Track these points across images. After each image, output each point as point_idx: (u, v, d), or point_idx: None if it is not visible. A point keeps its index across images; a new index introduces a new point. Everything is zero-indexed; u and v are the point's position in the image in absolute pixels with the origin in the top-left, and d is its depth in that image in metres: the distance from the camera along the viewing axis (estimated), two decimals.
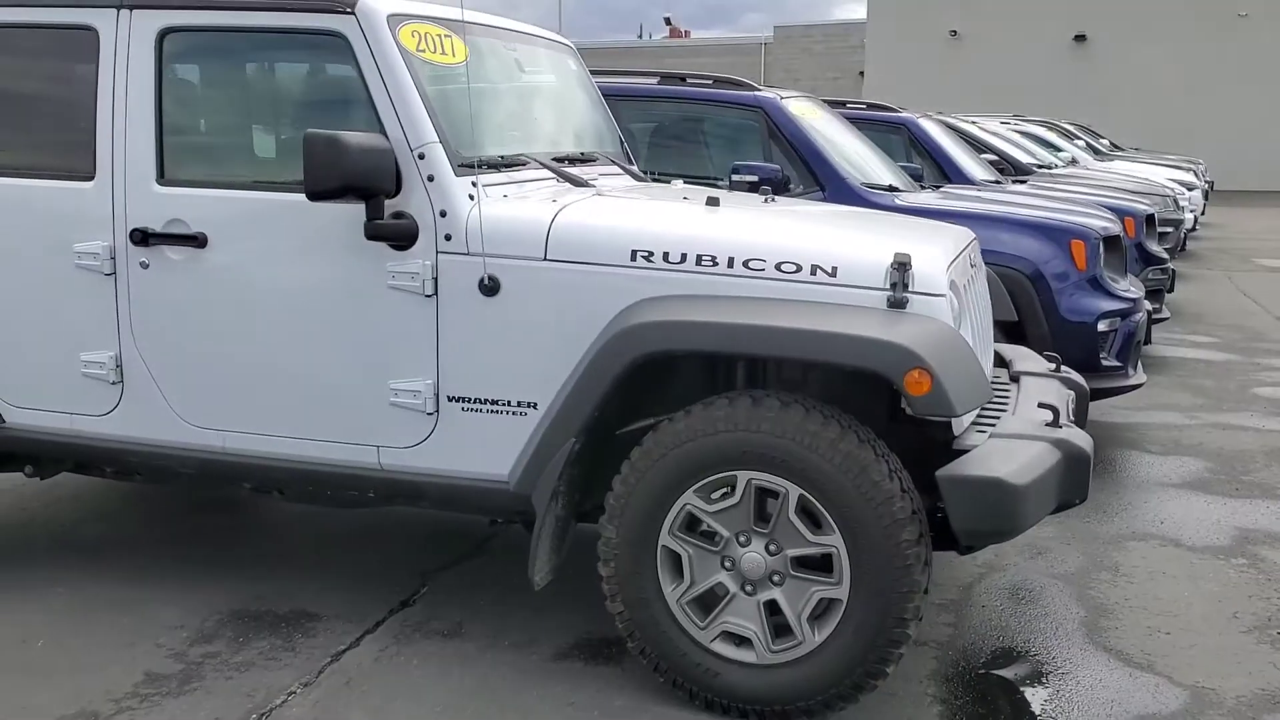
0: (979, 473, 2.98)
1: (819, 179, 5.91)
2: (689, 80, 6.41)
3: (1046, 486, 3.10)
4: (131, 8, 3.64)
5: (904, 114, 8.59)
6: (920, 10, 33.18)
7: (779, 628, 3.18)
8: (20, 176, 3.80)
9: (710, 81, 6.43)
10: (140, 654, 3.60)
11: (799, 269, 3.20)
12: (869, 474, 2.99)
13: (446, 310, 3.41)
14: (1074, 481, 3.22)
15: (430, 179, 3.39)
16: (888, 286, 3.15)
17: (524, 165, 3.77)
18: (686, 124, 6.38)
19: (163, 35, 3.61)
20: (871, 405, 3.30)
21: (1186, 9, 30.73)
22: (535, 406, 3.38)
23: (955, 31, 33.14)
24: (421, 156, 3.39)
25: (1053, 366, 4.10)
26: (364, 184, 3.27)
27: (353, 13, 3.44)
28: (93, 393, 3.80)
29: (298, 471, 3.66)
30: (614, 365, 3.15)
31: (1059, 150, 15.76)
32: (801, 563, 3.14)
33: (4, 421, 3.92)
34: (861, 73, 36.35)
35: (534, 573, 3.35)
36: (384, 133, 3.39)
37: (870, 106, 8.77)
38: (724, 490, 3.15)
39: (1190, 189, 14.45)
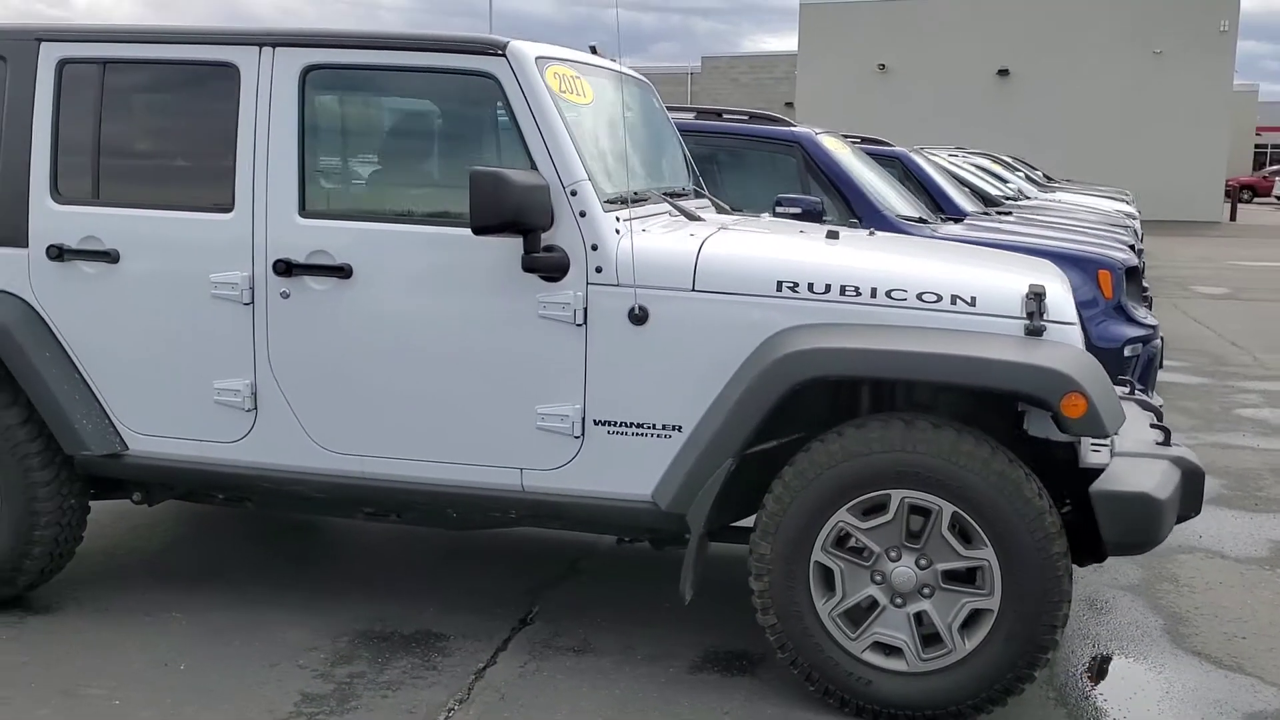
0: (1128, 488, 3.23)
1: (855, 211, 6.18)
2: (724, 115, 6.65)
3: (1175, 501, 3.37)
4: (274, 46, 3.75)
5: (898, 148, 8.92)
6: (849, 43, 33.97)
7: (927, 637, 3.38)
8: (157, 209, 3.88)
9: (746, 117, 6.67)
10: (287, 675, 3.69)
11: (939, 299, 3.42)
12: (1021, 491, 3.22)
13: (595, 339, 3.58)
14: (1192, 496, 3.49)
15: (582, 214, 3.56)
16: (1024, 315, 3.39)
17: (646, 200, 3.96)
18: (724, 158, 6.61)
19: (306, 72, 3.73)
20: (995, 426, 3.53)
21: (1105, 47, 31.91)
22: (680, 429, 3.56)
23: (884, 65, 33.98)
24: (574, 193, 3.56)
25: (1126, 390, 4.38)
26: (524, 219, 3.43)
27: (504, 55, 3.60)
28: (224, 420, 3.88)
29: (439, 494, 3.78)
30: (774, 390, 3.34)
31: (1005, 181, 16.30)
32: (950, 576, 3.35)
33: (127, 449, 3.98)
34: (789, 103, 37.19)
35: (685, 587, 3.52)
36: (534, 170, 3.55)
37: (865, 140, 9.08)
38: (877, 508, 3.35)
39: (1132, 219, 15.05)
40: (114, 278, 3.89)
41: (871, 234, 4.33)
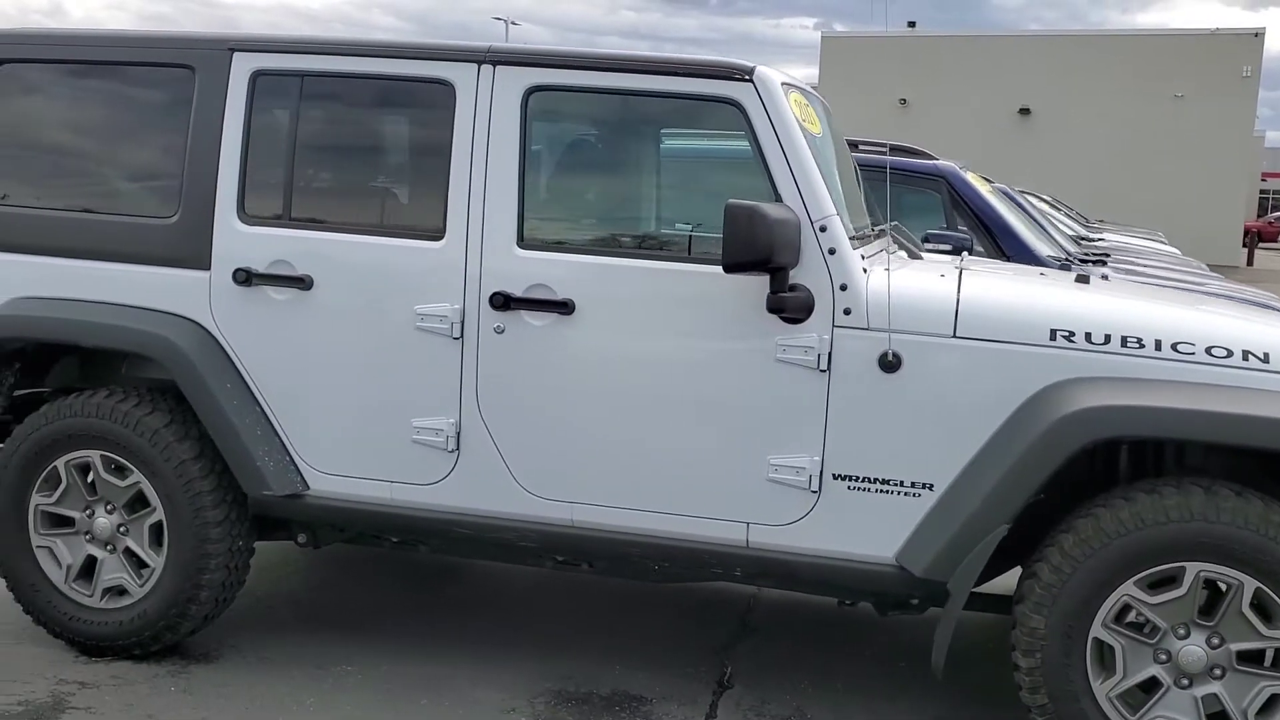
0: None
1: (1004, 249, 5.95)
2: (861, 146, 6.42)
3: None
4: (495, 63, 3.51)
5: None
6: (871, 78, 33.89)
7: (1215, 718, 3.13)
8: (356, 233, 3.63)
9: (885, 148, 6.44)
10: None
11: (1230, 354, 3.18)
12: None
13: (839, 386, 3.33)
14: None
15: (831, 251, 3.31)
16: None
17: (866, 237, 3.72)
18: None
19: (529, 93, 3.49)
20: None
21: (1126, 88, 31.89)
22: (930, 487, 3.30)
23: (905, 100, 33.91)
24: (823, 229, 3.32)
25: None
26: (777, 257, 3.18)
27: (751, 80, 3.36)
28: (421, 460, 3.61)
29: (654, 547, 3.52)
30: (1061, 450, 3.09)
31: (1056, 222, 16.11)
32: (1245, 656, 3.09)
33: (308, 488, 3.70)
34: None
35: (939, 658, 3.26)
36: (781, 203, 3.31)
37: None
38: (1167, 580, 3.10)
39: (1193, 263, 14.87)
40: (305, 305, 3.63)
41: (1106, 278, 4.10)
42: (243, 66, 3.67)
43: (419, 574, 4.80)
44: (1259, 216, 55.81)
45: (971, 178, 6.26)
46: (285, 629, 4.15)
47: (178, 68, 3.73)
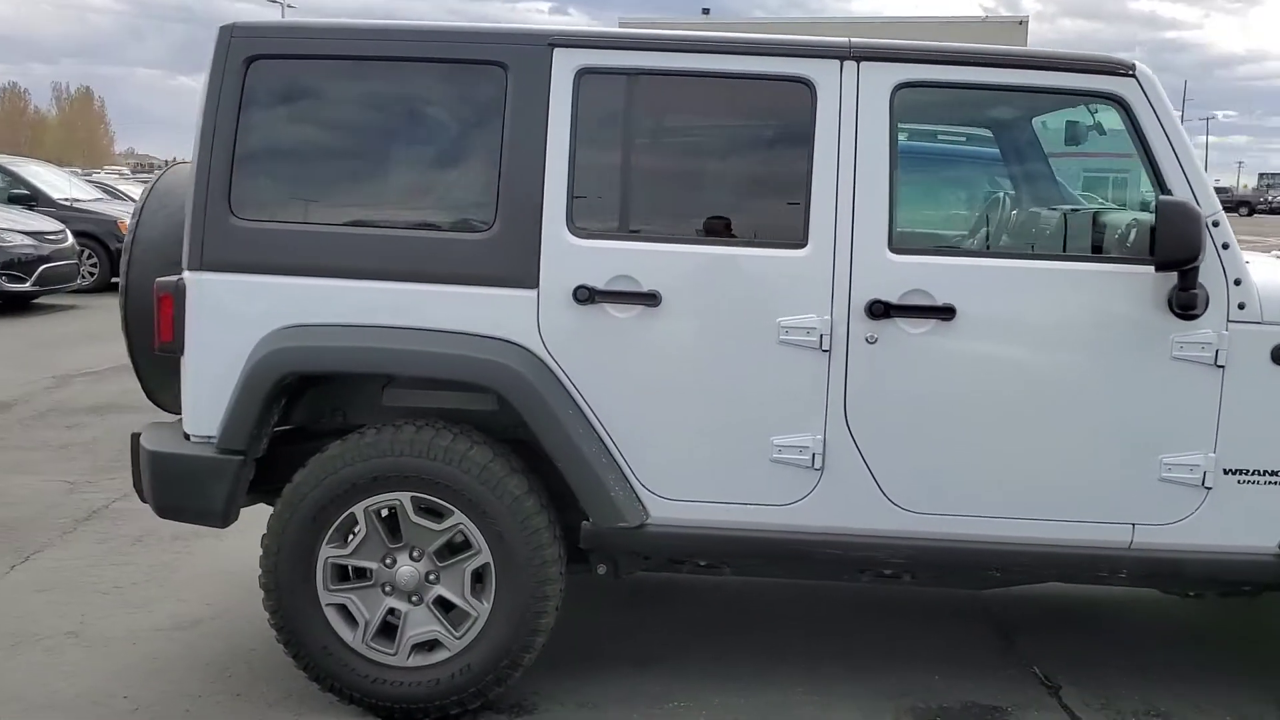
0: None
1: None
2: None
3: None
4: (859, 59, 3.33)
5: None
6: None
7: None
8: (706, 244, 3.39)
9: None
10: None
11: None
12: None
13: (1233, 380, 3.33)
14: None
15: (1225, 246, 3.31)
16: None
17: None
18: None
19: (897, 90, 3.33)
20: None
21: None
22: None
23: None
24: (1215, 224, 3.31)
25: None
26: (1196, 254, 3.16)
27: (1134, 75, 3.31)
28: (780, 480, 3.42)
29: (1033, 555, 3.44)
30: None
31: None
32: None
33: (648, 518, 3.44)
34: None
35: None
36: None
37: None
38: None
39: None
40: (652, 323, 3.37)
41: None
42: (566, 64, 3.36)
43: (673, 597, 4.53)
44: None
45: None
46: (583, 669, 3.83)
47: (487, 65, 3.38)
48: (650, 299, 3.34)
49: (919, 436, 3.38)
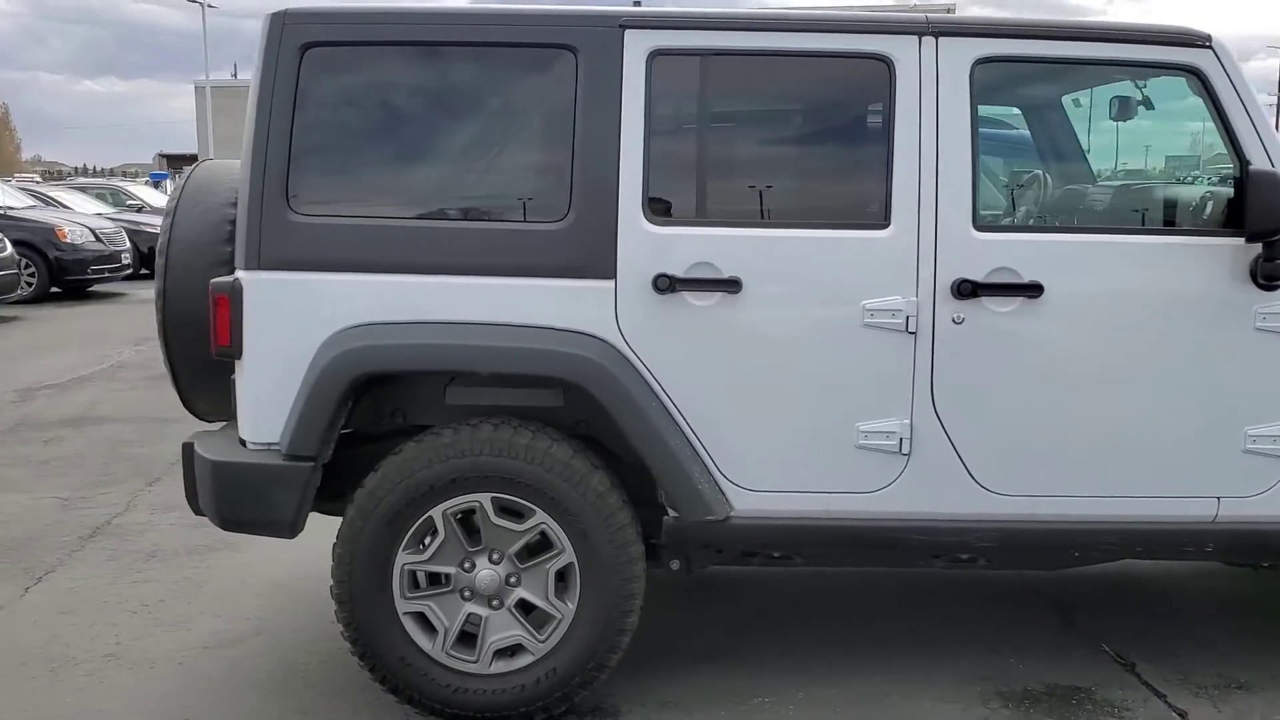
0: None
1: None
2: None
3: None
4: (937, 35, 3.27)
5: None
6: None
7: None
8: (786, 227, 3.31)
9: None
10: None
11: None
12: None
13: None
14: None
15: None
16: None
17: None
18: None
19: (976, 65, 3.28)
20: None
21: None
22: None
23: None
24: None
25: None
26: None
27: (1210, 47, 3.30)
28: (866, 467, 3.35)
29: (1119, 533, 3.42)
30: None
31: None
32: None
33: (731, 510, 3.36)
34: None
35: None
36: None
37: None
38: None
39: None
40: (733, 310, 3.28)
41: None
42: (638, 46, 3.26)
43: (734, 591, 4.45)
44: None
45: None
46: (657, 667, 3.73)
47: (554, 48, 3.27)
48: (731, 286, 3.26)
49: (1006, 417, 3.34)
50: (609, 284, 3.26)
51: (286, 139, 3.26)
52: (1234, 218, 3.29)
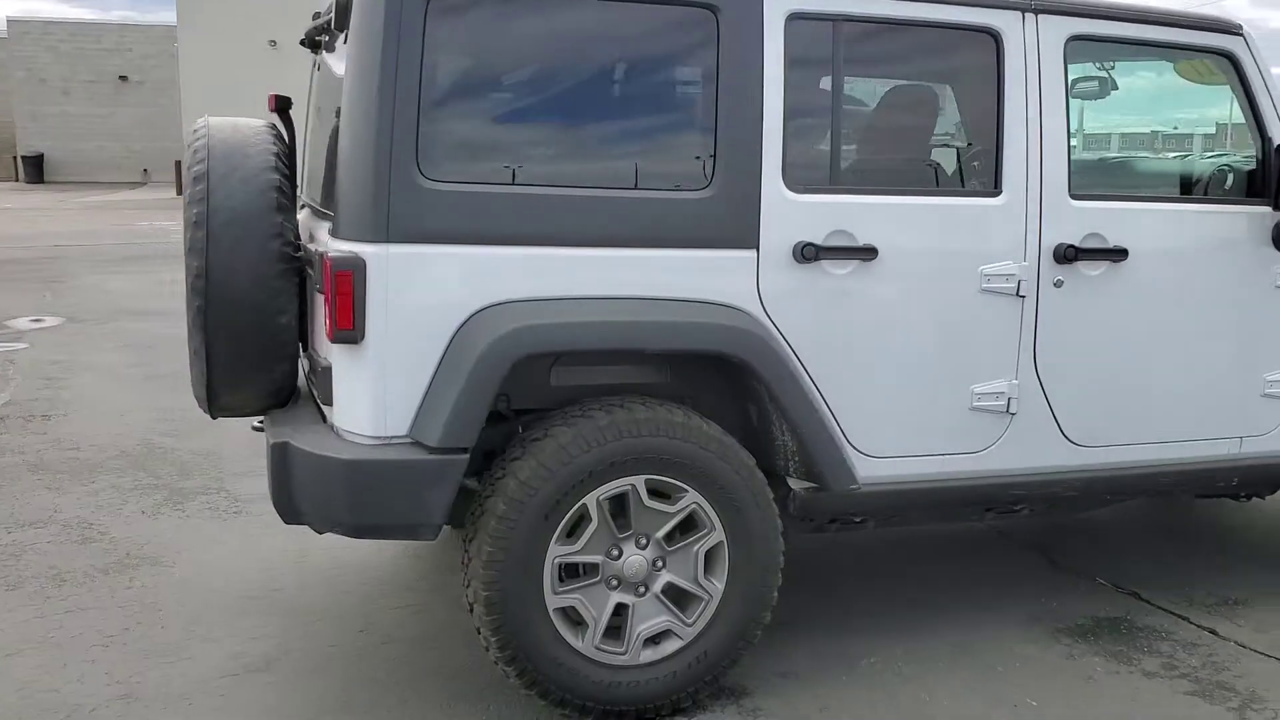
0: None
1: None
2: None
3: None
4: (1038, 11, 3.44)
5: None
6: (236, 21, 32.23)
7: None
8: (911, 194, 3.38)
9: None
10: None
11: None
12: None
13: None
14: None
15: None
16: None
17: None
18: None
19: (1069, 42, 3.49)
20: None
21: None
22: None
23: (275, 41, 32.71)
24: None
25: None
26: None
27: (1242, 34, 3.69)
28: (976, 428, 3.51)
29: (1174, 474, 3.78)
30: None
31: None
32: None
33: (856, 478, 3.40)
34: (122, 76, 37.66)
35: None
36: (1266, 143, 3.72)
37: None
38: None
39: None
40: (868, 278, 3.31)
41: None
42: (777, 8, 3.19)
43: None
44: None
45: None
46: (761, 641, 3.63)
47: (694, 7, 3.13)
48: (867, 253, 3.28)
49: (1093, 374, 3.59)
50: (751, 254, 3.19)
51: (414, 101, 2.91)
52: (1257, 189, 3.72)
